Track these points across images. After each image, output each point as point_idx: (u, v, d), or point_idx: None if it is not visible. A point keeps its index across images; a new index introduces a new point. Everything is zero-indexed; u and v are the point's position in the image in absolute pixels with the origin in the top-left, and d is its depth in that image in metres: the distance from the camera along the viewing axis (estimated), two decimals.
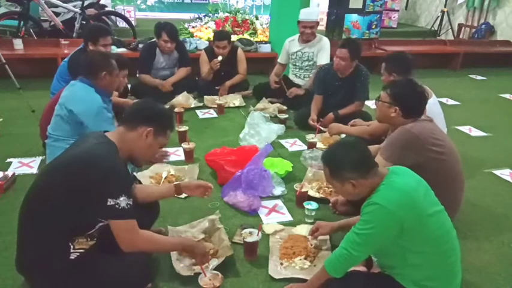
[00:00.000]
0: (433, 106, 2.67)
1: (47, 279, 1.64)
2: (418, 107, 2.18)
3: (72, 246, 1.62)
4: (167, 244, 1.86)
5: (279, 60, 4.43)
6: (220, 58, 4.25)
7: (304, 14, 4.10)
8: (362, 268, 1.87)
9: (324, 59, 4.07)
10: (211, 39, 5.68)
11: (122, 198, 1.55)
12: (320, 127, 3.36)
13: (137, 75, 4.33)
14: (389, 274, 1.68)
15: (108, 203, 1.54)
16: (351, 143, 1.75)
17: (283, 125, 3.60)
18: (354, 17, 6.33)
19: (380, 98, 2.24)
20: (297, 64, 4.27)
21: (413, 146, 2.09)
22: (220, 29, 5.82)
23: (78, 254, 1.64)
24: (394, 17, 8.64)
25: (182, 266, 1.95)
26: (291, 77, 4.39)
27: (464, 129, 4.10)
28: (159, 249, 1.89)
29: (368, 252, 1.67)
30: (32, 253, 1.63)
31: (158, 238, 1.82)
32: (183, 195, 2.23)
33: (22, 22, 5.38)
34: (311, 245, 2.11)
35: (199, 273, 1.81)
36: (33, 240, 1.62)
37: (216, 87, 4.44)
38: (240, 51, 4.56)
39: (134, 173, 2.50)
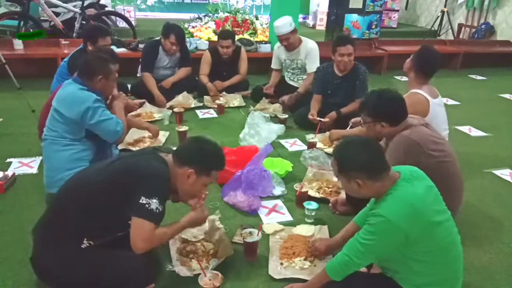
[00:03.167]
0: (437, 106, 2.67)
1: (56, 259, 1.68)
2: (400, 110, 2.15)
3: (85, 238, 1.69)
4: (174, 231, 1.88)
5: (272, 66, 4.38)
6: (223, 101, 4.23)
7: (275, 29, 4.01)
8: (362, 268, 1.87)
9: (313, 68, 3.96)
10: (212, 39, 5.71)
11: (154, 200, 1.63)
12: (321, 119, 3.34)
13: (138, 74, 4.34)
14: (391, 277, 1.68)
15: (141, 201, 1.62)
16: (365, 143, 1.66)
17: (283, 125, 3.59)
18: (354, 17, 6.33)
19: (363, 121, 2.23)
20: (289, 70, 4.27)
21: (414, 152, 2.08)
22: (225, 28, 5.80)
23: (88, 244, 1.70)
24: (394, 17, 8.64)
25: (182, 267, 1.95)
26: (286, 79, 4.38)
27: (464, 129, 4.10)
28: (168, 240, 1.98)
29: (370, 260, 1.66)
30: (53, 231, 1.72)
31: (166, 232, 1.84)
32: None
33: (22, 22, 5.38)
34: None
35: (199, 274, 1.81)
36: (60, 222, 1.71)
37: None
38: (243, 51, 4.56)
39: None
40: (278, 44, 4.22)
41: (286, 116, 3.83)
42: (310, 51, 4.03)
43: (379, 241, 1.54)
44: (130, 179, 1.67)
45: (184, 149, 1.84)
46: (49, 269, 1.72)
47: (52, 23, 5.62)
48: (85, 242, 1.69)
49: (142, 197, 1.62)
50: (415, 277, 1.60)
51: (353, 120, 3.14)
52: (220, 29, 5.96)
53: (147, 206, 1.62)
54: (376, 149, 1.64)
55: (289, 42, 4.00)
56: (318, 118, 3.41)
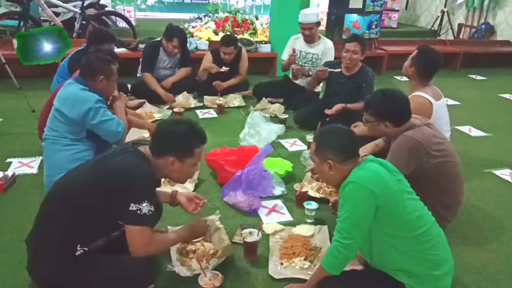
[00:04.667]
0: (440, 108, 2.66)
1: (52, 270, 1.66)
2: (404, 111, 2.16)
3: (79, 245, 1.66)
4: (175, 239, 1.89)
5: (282, 57, 4.38)
6: (225, 69, 4.30)
7: (301, 16, 4.09)
8: (361, 268, 1.88)
9: None
10: (212, 39, 5.70)
11: (144, 204, 1.60)
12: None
13: (138, 74, 4.34)
14: (380, 269, 1.72)
15: (131, 208, 1.59)
16: (344, 130, 1.83)
17: (283, 125, 3.60)
18: (354, 17, 6.32)
19: (366, 120, 2.24)
20: (299, 63, 4.24)
21: (417, 152, 2.10)
22: (226, 32, 5.75)
23: (82, 251, 1.67)
24: (394, 17, 8.64)
25: (182, 267, 1.95)
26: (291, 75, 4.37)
27: (464, 129, 4.11)
28: (169, 247, 1.97)
29: (356, 236, 1.63)
30: (45, 241, 1.68)
31: (167, 237, 1.88)
32: None
33: (22, 22, 5.37)
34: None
35: (199, 274, 1.81)
36: (52, 231, 1.67)
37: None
38: (244, 51, 4.55)
39: None
40: (295, 36, 4.28)
41: (286, 116, 3.83)
42: (328, 50, 4.14)
43: (355, 208, 1.61)
44: (115, 180, 1.63)
45: (158, 139, 1.75)
46: (46, 280, 1.69)
47: (52, 23, 5.61)
48: (79, 249, 1.65)
49: (132, 204, 1.58)
50: (395, 257, 1.64)
51: (353, 126, 3.12)
52: (220, 29, 5.96)
53: (138, 212, 1.59)
54: (352, 137, 1.80)
55: (311, 32, 4.09)
56: (329, 69, 3.56)
